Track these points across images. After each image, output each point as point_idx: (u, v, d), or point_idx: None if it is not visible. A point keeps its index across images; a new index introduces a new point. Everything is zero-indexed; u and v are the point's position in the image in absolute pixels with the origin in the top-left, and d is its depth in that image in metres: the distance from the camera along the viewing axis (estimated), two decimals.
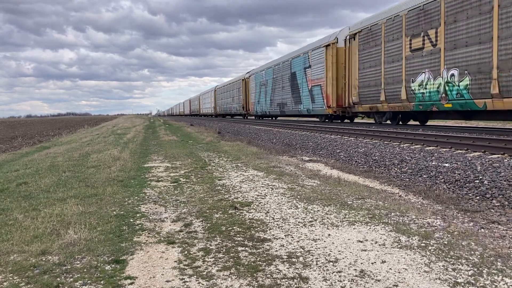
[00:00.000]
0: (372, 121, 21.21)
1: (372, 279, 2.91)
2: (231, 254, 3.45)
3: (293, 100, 25.44)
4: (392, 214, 4.60)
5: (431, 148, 8.82)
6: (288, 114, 27.98)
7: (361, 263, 3.20)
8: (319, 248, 3.58)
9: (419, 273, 2.98)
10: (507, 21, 10.04)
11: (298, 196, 5.59)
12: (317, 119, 24.73)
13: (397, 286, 2.79)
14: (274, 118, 34.99)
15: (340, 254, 3.42)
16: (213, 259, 3.36)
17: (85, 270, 3.14)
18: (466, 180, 6.14)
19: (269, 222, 4.40)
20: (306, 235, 3.92)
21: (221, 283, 2.89)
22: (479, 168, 6.45)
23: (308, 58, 22.59)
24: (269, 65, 30.79)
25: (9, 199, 5.77)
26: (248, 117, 41.14)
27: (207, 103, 62.36)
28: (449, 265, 3.11)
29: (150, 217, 4.69)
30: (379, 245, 3.60)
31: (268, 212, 4.82)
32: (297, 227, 4.18)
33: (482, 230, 4.06)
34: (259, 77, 33.50)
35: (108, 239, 3.90)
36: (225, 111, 49.21)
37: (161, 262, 3.32)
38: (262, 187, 6.34)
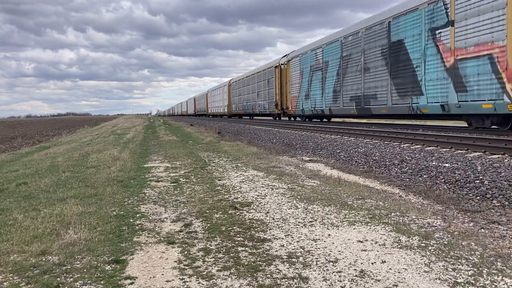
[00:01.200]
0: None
1: (372, 279, 2.91)
2: (231, 254, 3.44)
3: (394, 89, 14.29)
4: (392, 214, 4.60)
5: (431, 148, 8.82)
6: (377, 114, 16.13)
7: (361, 263, 3.20)
8: (319, 248, 3.57)
9: (419, 273, 2.97)
10: None
11: (298, 196, 5.59)
12: (466, 124, 12.84)
13: (397, 286, 2.79)
14: (323, 120, 23.65)
15: (340, 254, 3.42)
16: (213, 259, 3.36)
17: (85, 270, 3.14)
18: (467, 180, 6.14)
19: (269, 222, 4.40)
20: (306, 235, 3.92)
21: (221, 283, 2.89)
22: (480, 168, 6.45)
23: (445, 8, 11.75)
24: (332, 39, 19.49)
25: (9, 199, 5.76)
26: (283, 118, 28.76)
27: (218, 101, 51.10)
28: (449, 265, 3.11)
29: (150, 217, 4.69)
30: (379, 245, 3.60)
31: (268, 212, 4.81)
32: (297, 227, 4.18)
33: (482, 230, 4.06)
34: (308, 59, 21.99)
35: (108, 239, 3.89)
36: (245, 110, 37.52)
37: (161, 262, 3.32)
38: (262, 187, 6.34)
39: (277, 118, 29.40)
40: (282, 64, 27.14)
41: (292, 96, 24.81)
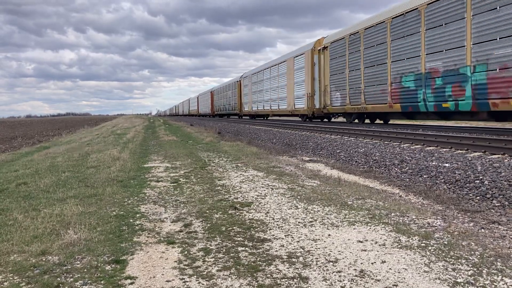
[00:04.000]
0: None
1: (372, 279, 2.91)
2: (231, 254, 3.45)
3: None
4: (392, 214, 4.60)
5: (431, 148, 8.82)
6: None
7: (361, 263, 3.20)
8: (319, 248, 3.57)
9: (419, 273, 2.97)
10: None
11: (298, 196, 5.59)
12: None
13: (397, 286, 2.79)
14: None
15: (340, 254, 3.42)
16: (213, 259, 3.36)
17: (85, 270, 3.14)
18: (467, 180, 6.14)
19: (269, 222, 4.40)
20: (306, 235, 3.92)
21: (221, 283, 2.89)
22: (480, 168, 6.45)
23: None
24: None
25: (9, 199, 5.76)
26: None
27: (268, 90, 29.98)
28: (449, 265, 3.11)
29: (150, 217, 4.69)
30: (379, 245, 3.60)
31: (268, 212, 4.81)
32: (297, 227, 4.18)
33: (482, 230, 4.06)
34: None
35: (108, 239, 3.89)
36: (406, 100, 13.52)
37: (161, 262, 3.32)
38: (262, 187, 6.33)
39: None
40: None
41: None
